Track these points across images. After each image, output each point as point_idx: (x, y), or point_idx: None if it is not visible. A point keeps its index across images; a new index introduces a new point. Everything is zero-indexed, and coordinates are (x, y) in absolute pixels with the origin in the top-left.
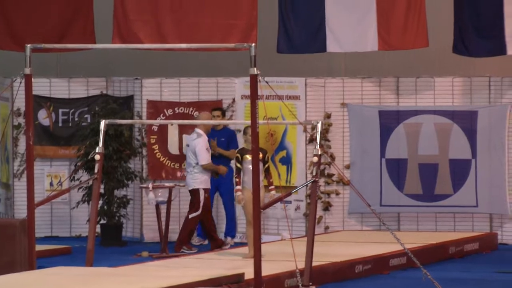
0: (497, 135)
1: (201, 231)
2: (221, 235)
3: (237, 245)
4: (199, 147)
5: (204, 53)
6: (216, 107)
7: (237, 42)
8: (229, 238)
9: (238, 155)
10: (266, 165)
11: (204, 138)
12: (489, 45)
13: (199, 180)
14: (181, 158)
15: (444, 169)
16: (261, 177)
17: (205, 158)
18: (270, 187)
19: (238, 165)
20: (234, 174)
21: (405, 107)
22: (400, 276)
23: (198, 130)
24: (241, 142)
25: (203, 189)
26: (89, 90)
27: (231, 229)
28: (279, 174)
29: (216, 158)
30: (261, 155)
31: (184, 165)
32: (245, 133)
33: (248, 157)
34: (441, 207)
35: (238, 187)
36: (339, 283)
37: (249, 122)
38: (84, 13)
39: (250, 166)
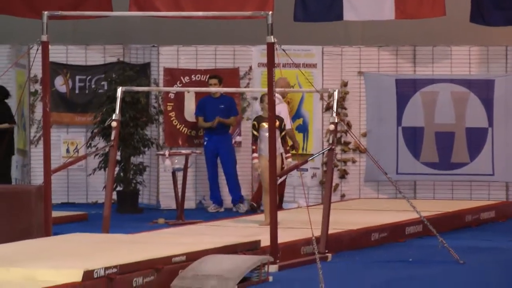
0: None
1: (216, 198)
2: (229, 203)
3: (250, 212)
4: (284, 113)
5: (221, 21)
6: (212, 74)
7: (254, 10)
8: (241, 205)
9: (255, 122)
10: (283, 133)
11: (284, 104)
12: (506, 14)
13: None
14: (197, 125)
15: (461, 137)
16: (278, 144)
17: (288, 123)
18: (287, 155)
19: (255, 132)
20: (251, 141)
21: (422, 76)
22: (416, 244)
23: (278, 95)
24: (257, 110)
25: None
26: (106, 57)
27: (236, 194)
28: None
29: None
30: (277, 123)
31: (202, 132)
32: (261, 101)
33: (265, 124)
34: (458, 175)
35: (255, 154)
36: (355, 251)
37: (265, 90)
38: None
39: (267, 134)
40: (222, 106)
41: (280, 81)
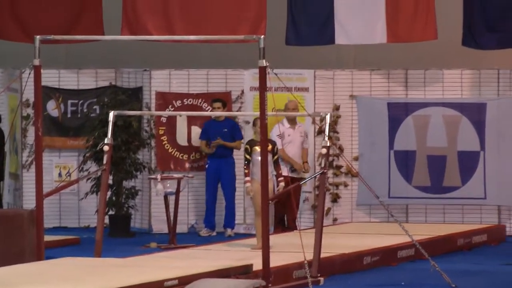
0: (506, 127)
1: (209, 222)
2: (220, 226)
3: (241, 236)
4: (298, 138)
5: (213, 45)
6: (216, 98)
7: (246, 34)
8: (229, 230)
9: (248, 146)
10: (276, 157)
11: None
12: (498, 37)
13: None
14: (189, 149)
15: (453, 161)
16: (270, 168)
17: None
18: (279, 179)
19: (247, 156)
20: (243, 165)
21: (414, 99)
22: (408, 267)
23: (285, 121)
24: (250, 134)
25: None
26: (98, 81)
27: (230, 220)
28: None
29: (220, 150)
30: (270, 147)
31: (193, 156)
32: (254, 124)
33: (257, 148)
34: (450, 199)
35: (248, 178)
36: (347, 274)
37: (257, 113)
38: (93, 5)
39: (259, 158)
40: (226, 130)
41: (289, 104)
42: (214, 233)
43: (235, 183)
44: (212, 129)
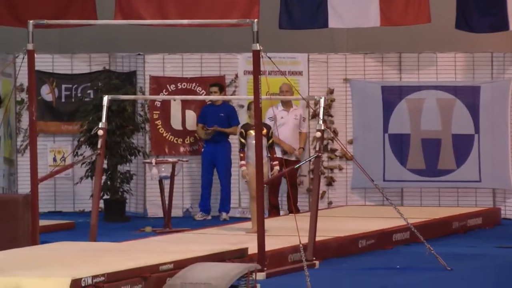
0: (500, 110)
1: (204, 206)
2: (215, 211)
3: (236, 220)
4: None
5: (206, 29)
6: (213, 82)
7: (240, 18)
8: (224, 214)
9: (242, 130)
10: (270, 141)
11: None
12: (491, 21)
13: None
14: (184, 133)
15: (447, 144)
16: (265, 152)
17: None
18: (273, 163)
19: (242, 140)
20: (238, 149)
21: (408, 83)
22: (403, 251)
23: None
24: (243, 118)
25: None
26: (91, 66)
27: (225, 204)
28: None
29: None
30: (264, 131)
31: (188, 140)
32: (249, 108)
33: (252, 132)
34: (444, 182)
35: (243, 162)
36: (342, 258)
37: (252, 97)
38: None
39: (254, 142)
40: (222, 114)
41: (283, 86)
42: (209, 217)
43: (231, 167)
44: (209, 113)
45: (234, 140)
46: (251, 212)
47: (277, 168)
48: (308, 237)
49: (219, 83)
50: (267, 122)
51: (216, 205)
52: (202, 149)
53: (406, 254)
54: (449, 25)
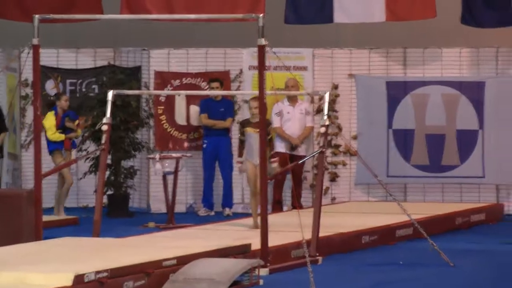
0: (504, 105)
1: (207, 202)
2: (218, 206)
3: (240, 215)
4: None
5: (211, 24)
6: (213, 78)
7: (245, 13)
8: (227, 209)
9: (240, 127)
10: (269, 136)
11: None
12: (496, 16)
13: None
14: (188, 128)
15: (451, 139)
16: None
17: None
18: (272, 160)
19: (241, 137)
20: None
21: (413, 78)
22: (407, 246)
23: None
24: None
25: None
26: (96, 61)
27: (228, 200)
28: None
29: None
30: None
31: (192, 135)
32: (249, 104)
33: (249, 129)
34: (448, 178)
35: (239, 159)
36: (345, 254)
37: (256, 92)
38: None
39: (252, 138)
40: (222, 109)
41: (289, 82)
42: (213, 213)
43: (233, 162)
44: (209, 108)
45: (235, 134)
46: (251, 208)
47: (275, 164)
48: (312, 233)
49: (219, 78)
50: (273, 117)
51: (219, 201)
52: (203, 145)
53: (409, 250)
54: (454, 20)
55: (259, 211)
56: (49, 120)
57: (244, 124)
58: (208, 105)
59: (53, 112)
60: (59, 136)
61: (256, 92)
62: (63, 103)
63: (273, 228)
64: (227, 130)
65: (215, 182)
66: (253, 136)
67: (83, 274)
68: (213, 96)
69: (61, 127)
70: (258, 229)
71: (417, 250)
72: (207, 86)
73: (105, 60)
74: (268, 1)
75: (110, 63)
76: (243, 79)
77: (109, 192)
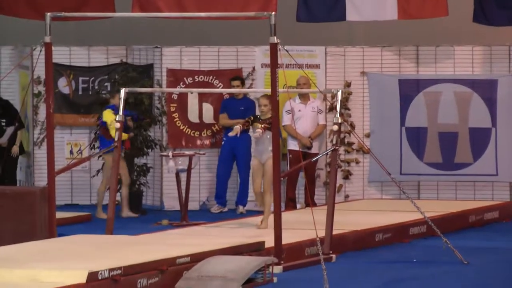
0: None
1: (220, 198)
2: (231, 203)
3: (253, 213)
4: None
5: (223, 21)
6: (235, 76)
7: (257, 11)
8: (240, 207)
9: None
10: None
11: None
12: (509, 14)
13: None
14: (200, 126)
15: (464, 137)
16: (269, 147)
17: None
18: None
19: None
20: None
21: (425, 76)
22: (420, 244)
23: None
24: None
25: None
26: (109, 59)
27: (243, 197)
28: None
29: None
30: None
31: (205, 133)
32: (259, 101)
33: (258, 125)
34: (461, 176)
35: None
36: (359, 251)
37: (269, 90)
38: None
39: (258, 134)
40: (243, 108)
41: (300, 79)
42: (226, 209)
43: (250, 161)
44: (230, 106)
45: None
46: (261, 206)
47: (259, 131)
48: (325, 231)
49: (240, 77)
50: (284, 115)
51: (232, 198)
52: (222, 142)
53: (423, 248)
54: (466, 18)
55: (261, 208)
56: (110, 118)
57: (254, 119)
58: (229, 104)
59: (111, 110)
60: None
61: (268, 90)
62: (117, 100)
63: (287, 226)
64: (246, 129)
65: (230, 180)
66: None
67: (97, 272)
68: (234, 94)
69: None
70: (262, 228)
71: (431, 248)
72: (220, 84)
73: (118, 58)
74: None
75: (122, 61)
76: (255, 77)
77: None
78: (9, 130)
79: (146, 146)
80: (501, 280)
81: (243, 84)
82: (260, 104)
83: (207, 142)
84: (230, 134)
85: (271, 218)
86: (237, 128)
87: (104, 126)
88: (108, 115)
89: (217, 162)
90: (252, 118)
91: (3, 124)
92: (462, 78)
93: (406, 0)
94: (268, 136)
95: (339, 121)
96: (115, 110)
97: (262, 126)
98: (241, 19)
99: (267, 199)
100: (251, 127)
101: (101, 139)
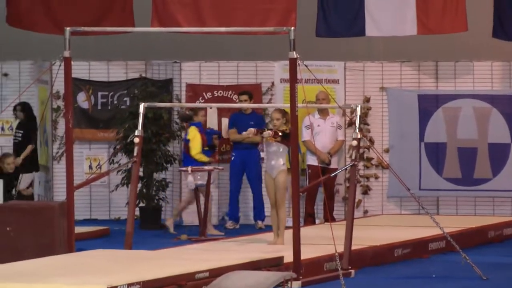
0: None
1: (233, 215)
2: (249, 219)
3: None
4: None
5: (243, 36)
6: (243, 91)
7: (276, 26)
8: (259, 222)
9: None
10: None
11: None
12: None
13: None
14: (220, 141)
15: (483, 153)
16: (283, 160)
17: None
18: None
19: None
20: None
21: (444, 91)
22: (439, 260)
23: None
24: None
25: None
26: (128, 73)
27: (260, 212)
28: None
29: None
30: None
31: (224, 148)
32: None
33: (270, 139)
34: (480, 191)
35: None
36: (378, 266)
37: (288, 106)
38: None
39: (272, 149)
40: (252, 122)
41: (319, 94)
42: (238, 226)
43: (262, 175)
44: (239, 121)
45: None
46: (272, 222)
47: (269, 132)
48: (344, 246)
49: (248, 91)
50: (304, 130)
51: (247, 214)
52: (231, 158)
53: (442, 263)
54: (486, 33)
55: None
56: (197, 139)
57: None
58: (238, 119)
59: (196, 128)
60: (203, 157)
61: (287, 105)
62: (201, 118)
63: (306, 241)
64: (256, 144)
65: (245, 195)
66: (272, 145)
67: (116, 286)
68: (242, 109)
69: (209, 145)
70: (277, 244)
71: (450, 263)
72: (238, 99)
73: (137, 73)
74: (300, 14)
75: (141, 76)
76: (274, 92)
77: (141, 205)
78: (29, 148)
79: (165, 161)
80: None
81: (251, 98)
82: (272, 118)
83: (226, 157)
84: (244, 133)
85: (289, 233)
86: (252, 130)
87: (187, 143)
88: (192, 133)
89: (224, 178)
90: (265, 129)
91: (19, 136)
92: (481, 94)
93: (426, 16)
94: (281, 150)
95: (358, 137)
96: (200, 128)
97: (273, 130)
98: (260, 34)
99: (281, 215)
100: (261, 142)
101: (185, 156)
